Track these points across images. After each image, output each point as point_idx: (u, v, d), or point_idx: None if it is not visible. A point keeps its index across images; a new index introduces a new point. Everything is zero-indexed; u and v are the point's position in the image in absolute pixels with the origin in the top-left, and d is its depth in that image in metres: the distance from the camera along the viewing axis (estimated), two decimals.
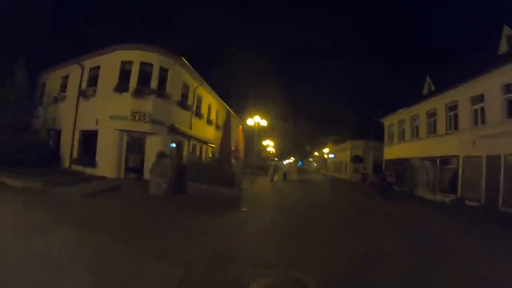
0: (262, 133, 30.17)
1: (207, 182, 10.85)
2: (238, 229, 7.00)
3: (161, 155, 11.21)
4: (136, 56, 13.92)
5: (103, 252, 4.45)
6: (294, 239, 6.45)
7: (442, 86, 17.29)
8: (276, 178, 24.28)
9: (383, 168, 24.97)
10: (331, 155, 49.68)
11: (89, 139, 14.16)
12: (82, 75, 14.96)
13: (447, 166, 16.18)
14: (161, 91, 14.11)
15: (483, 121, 13.50)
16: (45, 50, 17.88)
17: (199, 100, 19.20)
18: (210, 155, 21.80)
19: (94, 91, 14.36)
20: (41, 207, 7.06)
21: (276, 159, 48.69)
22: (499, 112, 12.36)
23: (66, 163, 14.55)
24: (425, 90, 20.36)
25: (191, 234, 6.06)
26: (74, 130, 14.65)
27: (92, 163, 13.61)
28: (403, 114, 22.15)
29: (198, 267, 4.23)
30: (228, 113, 18.49)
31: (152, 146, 13.51)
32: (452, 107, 16.01)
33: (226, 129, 14.18)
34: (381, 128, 27.15)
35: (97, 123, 13.77)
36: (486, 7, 36.22)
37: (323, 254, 5.35)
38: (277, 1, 73.44)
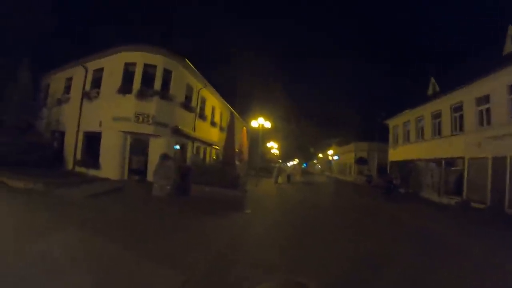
0: (266, 135, 30.19)
1: (210, 184, 10.82)
2: (241, 231, 6.96)
3: (164, 157, 11.18)
4: (139, 57, 13.96)
5: (106, 254, 4.43)
6: (297, 241, 6.41)
7: (447, 87, 17.12)
8: (280, 180, 24.17)
9: (388, 169, 24.80)
10: (336, 157, 49.53)
11: (92, 141, 14.22)
12: (85, 76, 15.06)
13: (453, 168, 16.01)
14: (164, 93, 14.11)
15: (488, 122, 13.35)
16: (48, 51, 18.03)
17: (203, 102, 19.25)
18: (214, 157, 21.81)
19: (98, 93, 14.42)
20: (43, 208, 7.05)
21: (280, 161, 48.53)
22: (505, 113, 12.21)
23: (70, 165, 14.61)
24: (430, 91, 20.21)
25: (194, 236, 6.03)
26: (77, 131, 14.73)
27: (96, 165, 13.66)
28: (408, 115, 22.00)
29: (200, 269, 4.19)
30: (232, 115, 18.47)
31: (156, 148, 13.51)
32: (457, 108, 15.85)
33: (230, 131, 14.14)
34: (385, 129, 27.04)
35: (100, 124, 13.81)
36: (491, 8, 36.03)
37: (326, 256, 5.30)
38: (277, 1, 73.37)
